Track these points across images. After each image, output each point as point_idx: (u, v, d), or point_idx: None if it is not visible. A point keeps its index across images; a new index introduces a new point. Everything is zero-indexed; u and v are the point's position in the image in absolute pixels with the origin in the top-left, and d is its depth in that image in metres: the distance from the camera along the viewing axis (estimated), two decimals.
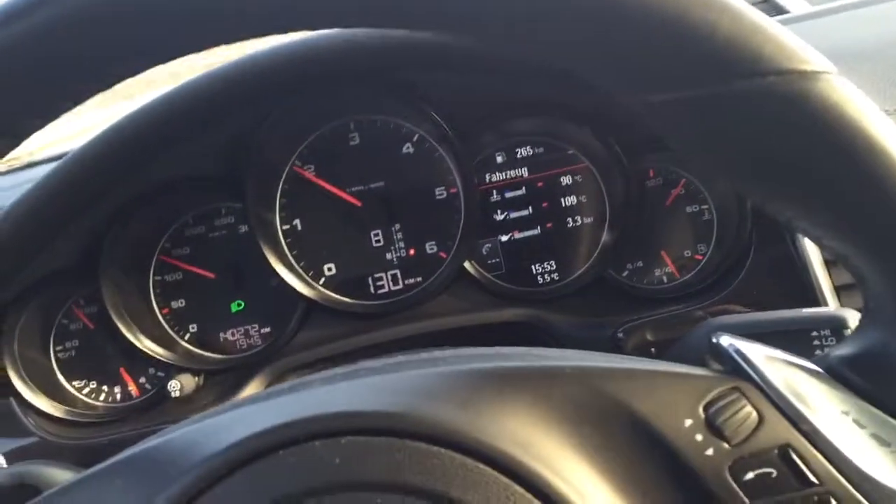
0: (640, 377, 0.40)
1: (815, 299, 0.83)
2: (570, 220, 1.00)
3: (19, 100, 0.37)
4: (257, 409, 0.42)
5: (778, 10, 1.24)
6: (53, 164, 0.85)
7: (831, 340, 0.57)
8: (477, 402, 0.39)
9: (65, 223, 0.89)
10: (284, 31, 0.38)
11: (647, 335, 0.88)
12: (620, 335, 0.88)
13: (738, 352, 0.40)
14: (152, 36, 0.36)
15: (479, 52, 0.86)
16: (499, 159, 1.00)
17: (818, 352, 0.56)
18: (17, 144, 0.40)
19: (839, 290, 0.83)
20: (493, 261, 1.00)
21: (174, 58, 0.38)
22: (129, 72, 0.38)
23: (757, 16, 0.34)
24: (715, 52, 0.33)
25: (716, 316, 0.88)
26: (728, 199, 0.94)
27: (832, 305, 0.81)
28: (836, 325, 0.55)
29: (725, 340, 0.41)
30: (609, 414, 0.38)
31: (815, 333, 0.56)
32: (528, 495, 0.35)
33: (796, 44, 0.33)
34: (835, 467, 0.36)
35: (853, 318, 0.57)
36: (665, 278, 0.98)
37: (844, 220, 0.36)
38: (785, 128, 0.34)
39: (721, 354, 0.41)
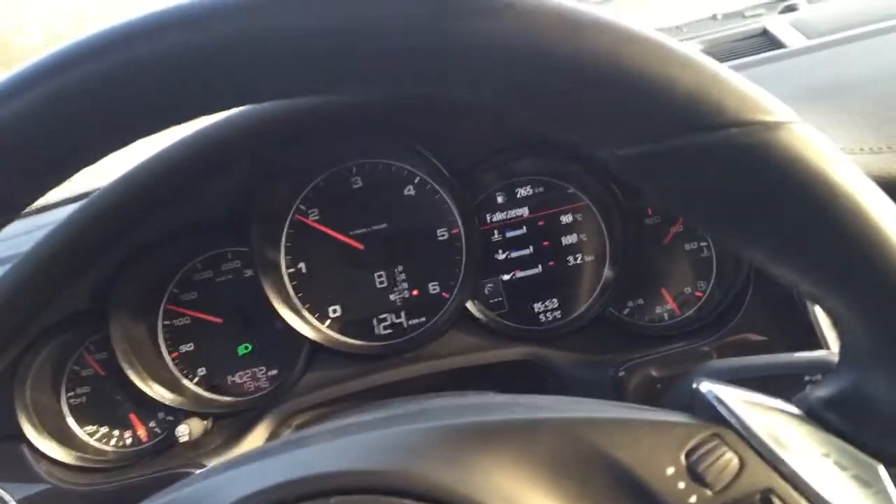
0: (622, 426, 0.40)
1: (817, 334, 0.84)
2: (570, 258, 1.01)
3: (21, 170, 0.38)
4: (249, 471, 0.43)
5: (775, 45, 1.26)
6: (66, 210, 0.86)
7: None
8: (463, 457, 0.39)
9: (78, 270, 0.91)
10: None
11: (652, 372, 0.88)
12: (622, 374, 0.88)
13: (716, 397, 0.41)
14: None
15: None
16: (499, 199, 1.01)
17: (805, 388, 0.56)
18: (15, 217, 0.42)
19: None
20: (496, 300, 1.01)
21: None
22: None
23: (718, 67, 0.34)
24: (676, 106, 0.33)
25: (724, 350, 0.89)
26: None
27: (832, 340, 0.81)
28: (826, 369, 0.56)
29: (705, 387, 0.42)
30: (592, 464, 0.39)
31: (807, 378, 0.56)
32: None
33: (758, 94, 0.34)
34: None
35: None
36: (666, 315, 0.99)
37: (815, 265, 0.37)
38: (750, 178, 0.34)
39: (701, 400, 0.42)
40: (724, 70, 0.34)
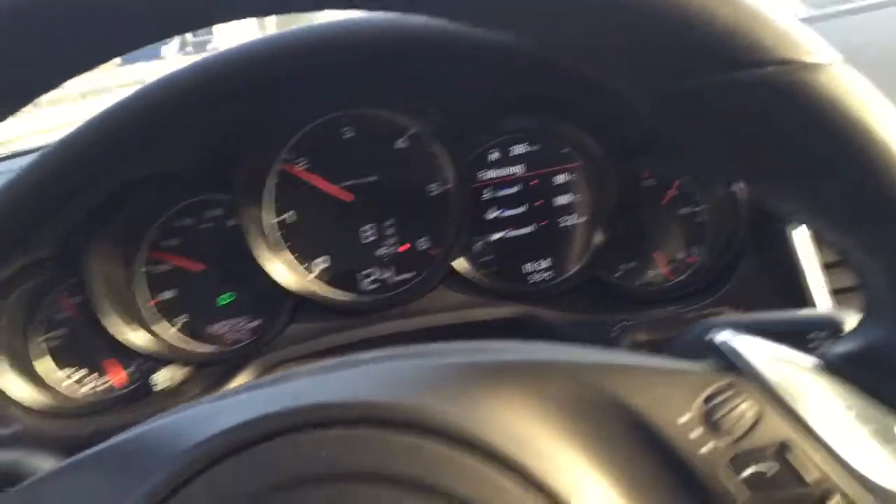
0: (636, 372, 0.39)
1: (810, 303, 0.83)
2: (564, 218, 0.99)
3: None
4: (241, 400, 0.41)
5: None
6: (35, 155, 0.83)
7: (829, 342, 0.56)
8: (468, 394, 0.38)
9: (48, 214, 0.88)
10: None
11: (641, 335, 0.88)
12: (615, 334, 0.87)
13: (735, 347, 0.39)
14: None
15: (475, 47, 0.85)
16: (493, 156, 0.99)
17: (825, 344, 0.56)
18: None
19: (838, 293, 0.82)
20: (486, 258, 0.99)
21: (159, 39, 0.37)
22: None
23: (757, 4, 0.33)
24: (714, 42, 0.32)
25: (708, 318, 0.88)
26: (722, 201, 0.93)
27: (827, 307, 0.81)
28: (833, 327, 0.55)
29: (723, 336, 0.41)
30: (604, 409, 0.38)
31: (811, 335, 0.55)
32: (520, 488, 0.35)
33: (799, 32, 0.33)
34: (834, 466, 0.36)
35: (850, 320, 0.56)
36: (659, 279, 0.98)
37: (846, 214, 0.35)
38: (787, 119, 0.33)
39: (718, 350, 0.40)
40: (764, 6, 0.33)
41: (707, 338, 0.42)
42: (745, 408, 0.37)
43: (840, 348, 0.40)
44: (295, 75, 0.89)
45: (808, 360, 0.40)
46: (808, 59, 0.32)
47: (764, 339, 0.41)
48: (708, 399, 0.37)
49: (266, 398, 0.41)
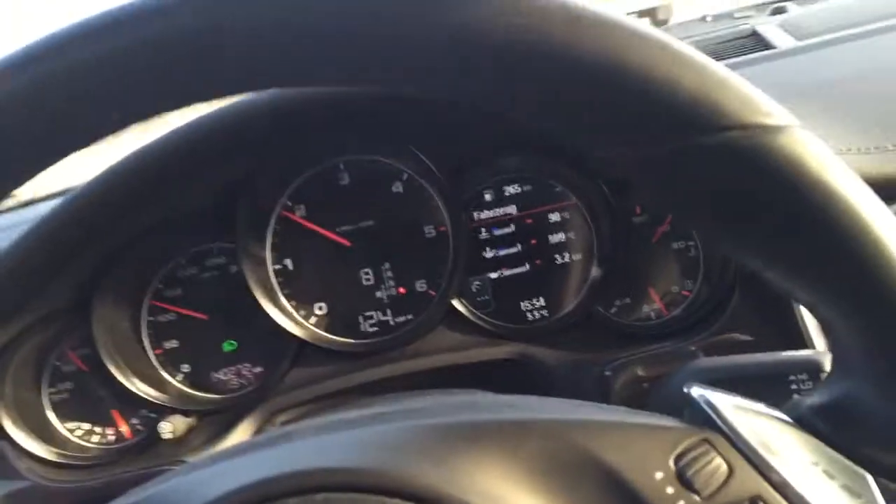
0: (612, 429, 0.40)
1: (802, 331, 0.84)
2: (558, 256, 1.00)
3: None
4: (233, 465, 0.42)
5: (765, 46, 1.26)
6: (49, 204, 0.86)
7: (808, 384, 0.57)
8: (449, 456, 0.39)
9: (60, 266, 0.90)
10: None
11: (638, 371, 0.88)
12: (608, 373, 0.88)
13: (707, 402, 0.40)
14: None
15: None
16: (487, 197, 1.01)
17: (796, 396, 0.57)
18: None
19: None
20: (483, 298, 1.01)
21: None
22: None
23: (720, 69, 0.34)
24: (678, 108, 0.33)
25: (710, 350, 0.89)
26: None
27: (818, 341, 0.82)
28: (811, 369, 0.56)
29: (696, 391, 0.42)
30: (580, 467, 0.39)
31: (792, 377, 0.56)
32: None
33: (759, 98, 0.34)
34: None
35: (829, 361, 0.57)
36: (653, 314, 0.99)
37: (809, 272, 0.36)
38: (748, 181, 0.34)
39: (692, 405, 0.41)
40: (724, 71, 0.34)
41: (683, 390, 0.43)
42: (718, 463, 0.38)
43: (810, 401, 0.41)
44: (292, 128, 0.91)
45: (779, 414, 0.41)
46: (768, 121, 0.33)
47: (743, 388, 0.42)
48: (681, 455, 0.38)
49: (258, 463, 0.42)
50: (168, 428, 0.94)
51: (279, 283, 1.00)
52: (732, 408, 0.40)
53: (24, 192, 1.31)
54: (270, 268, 0.99)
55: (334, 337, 1.00)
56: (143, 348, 1.00)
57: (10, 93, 0.34)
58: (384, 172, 1.00)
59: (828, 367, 0.57)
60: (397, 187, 1.00)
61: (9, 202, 1.37)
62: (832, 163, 0.34)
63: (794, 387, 0.57)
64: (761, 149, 0.33)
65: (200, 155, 0.89)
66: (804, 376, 0.56)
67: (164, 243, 0.99)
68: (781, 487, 0.37)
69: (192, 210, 0.97)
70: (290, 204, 1.00)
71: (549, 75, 0.34)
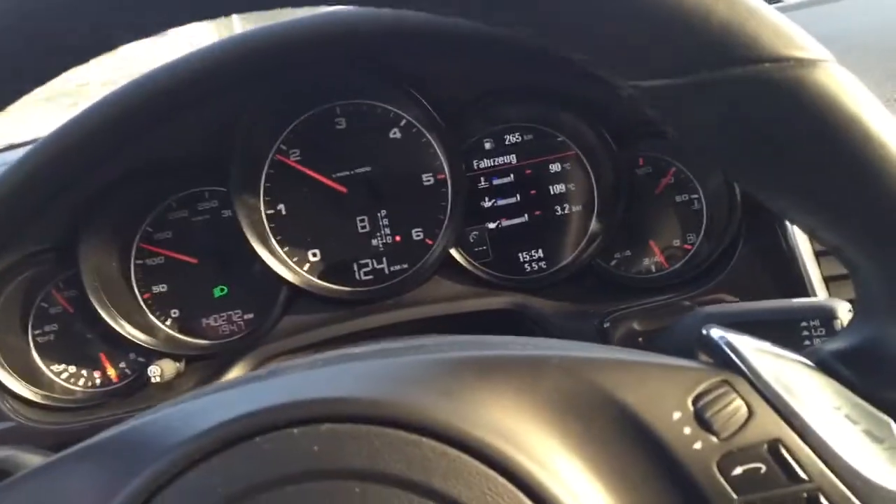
0: (629, 368, 0.39)
1: (805, 290, 0.83)
2: (558, 207, 0.99)
3: None
4: (235, 395, 0.41)
5: None
6: (30, 146, 0.83)
7: (821, 331, 0.56)
8: (460, 390, 0.38)
9: (43, 205, 0.87)
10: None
11: (634, 325, 0.87)
12: (607, 325, 0.87)
13: (728, 344, 0.39)
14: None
15: (468, 35, 0.84)
16: (487, 146, 0.99)
17: (807, 342, 0.56)
18: None
19: (829, 281, 0.82)
20: (480, 248, 0.99)
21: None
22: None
23: (753, 1, 0.33)
24: (710, 38, 0.32)
25: (704, 306, 0.88)
26: (718, 188, 0.93)
27: (822, 296, 0.81)
28: (825, 316, 0.55)
29: (716, 333, 0.40)
30: (596, 405, 0.37)
31: (804, 324, 0.55)
32: (510, 486, 0.34)
33: (793, 30, 0.33)
34: (825, 464, 0.35)
35: (843, 308, 0.56)
36: (653, 268, 0.98)
37: (838, 211, 0.35)
38: (779, 116, 0.33)
39: (711, 347, 0.40)
40: (760, 3, 0.33)
41: (701, 333, 0.42)
42: (738, 405, 0.37)
43: (831, 346, 0.40)
44: (288, 66, 0.88)
45: (800, 358, 0.40)
46: (803, 55, 0.32)
47: (755, 334, 0.41)
48: (700, 396, 0.37)
49: (259, 393, 0.41)
50: (156, 371, 0.92)
51: (272, 229, 0.98)
52: (753, 350, 0.39)
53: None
54: (263, 213, 0.97)
55: (328, 284, 0.98)
56: (132, 291, 0.98)
57: None
58: (382, 118, 0.97)
59: (841, 314, 0.56)
60: (395, 133, 0.98)
61: None
62: (867, 100, 0.33)
63: (805, 333, 0.56)
64: (795, 82, 0.32)
65: (191, 91, 0.87)
66: (817, 322, 0.55)
67: (155, 185, 0.96)
68: (802, 431, 0.36)
69: (183, 152, 0.94)
70: (284, 148, 0.97)
71: (587, 6, 0.33)
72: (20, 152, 0.84)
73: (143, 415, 0.42)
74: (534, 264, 0.99)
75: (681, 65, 0.33)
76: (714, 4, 0.32)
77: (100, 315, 0.93)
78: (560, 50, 0.36)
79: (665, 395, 0.37)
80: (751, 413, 0.37)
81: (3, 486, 0.41)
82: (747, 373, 0.38)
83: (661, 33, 0.33)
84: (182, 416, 0.40)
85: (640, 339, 0.87)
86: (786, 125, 0.33)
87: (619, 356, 0.40)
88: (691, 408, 0.37)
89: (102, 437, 0.42)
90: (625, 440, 0.37)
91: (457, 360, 0.40)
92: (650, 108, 0.37)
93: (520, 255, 0.99)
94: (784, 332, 0.56)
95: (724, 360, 0.39)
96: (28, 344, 0.97)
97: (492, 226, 0.99)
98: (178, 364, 0.95)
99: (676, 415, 0.37)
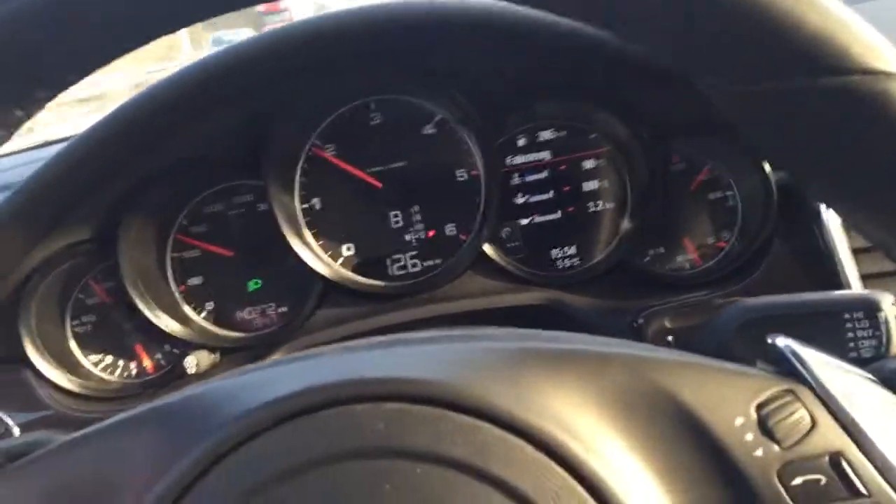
0: (692, 370, 0.39)
1: (842, 288, 0.83)
2: (591, 204, 0.99)
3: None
4: (302, 368, 0.42)
5: None
6: (70, 140, 0.84)
7: (864, 323, 0.56)
8: (525, 380, 0.38)
9: (81, 197, 0.89)
10: None
11: (666, 322, 0.87)
12: (640, 321, 0.87)
13: (794, 353, 0.39)
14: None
15: (502, 32, 0.84)
16: (521, 142, 0.99)
17: (850, 335, 0.55)
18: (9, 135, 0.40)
19: (867, 278, 0.82)
20: (514, 244, 0.99)
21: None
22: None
23: (844, 11, 0.33)
24: (802, 46, 0.32)
25: (741, 301, 0.88)
26: (753, 185, 0.93)
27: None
28: (868, 308, 0.55)
29: (781, 341, 0.41)
30: (658, 404, 0.38)
31: (847, 316, 0.55)
32: (568, 476, 0.35)
33: (883, 44, 0.33)
34: (885, 480, 0.36)
35: (887, 301, 0.56)
36: (687, 265, 0.98)
37: None
38: (866, 127, 0.33)
39: (776, 355, 0.40)
40: (850, 14, 0.33)
41: (768, 341, 0.42)
42: (801, 415, 0.37)
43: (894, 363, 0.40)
44: (324, 61, 0.89)
45: (866, 374, 0.40)
46: (893, 69, 0.32)
47: (798, 327, 0.41)
48: (764, 404, 0.38)
49: (327, 368, 0.41)
50: (193, 362, 0.93)
51: (307, 222, 0.98)
52: (819, 361, 0.39)
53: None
54: (298, 206, 0.98)
55: (361, 278, 0.99)
56: (168, 283, 0.99)
57: None
58: (416, 113, 0.98)
59: (885, 306, 0.55)
60: (429, 129, 0.98)
61: (25, 143, 1.36)
62: None
63: (848, 325, 0.56)
64: (884, 95, 0.32)
65: (227, 87, 0.87)
66: (860, 314, 0.55)
67: (191, 179, 0.97)
68: (864, 445, 0.36)
69: (220, 146, 0.95)
70: (319, 143, 0.98)
71: (679, 7, 0.33)
72: (56, 149, 0.85)
73: (208, 382, 0.42)
74: (567, 261, 0.99)
75: (772, 71, 0.33)
76: (807, 13, 0.32)
77: (136, 306, 0.94)
78: (653, 54, 0.36)
79: (728, 399, 0.38)
80: (814, 424, 0.37)
81: (66, 442, 0.42)
82: (813, 383, 0.38)
83: (753, 39, 0.33)
84: (246, 386, 0.41)
85: (670, 336, 0.87)
86: (870, 136, 0.33)
87: (681, 358, 0.41)
88: (754, 415, 0.37)
89: (166, 400, 0.42)
90: (684, 441, 0.37)
91: (524, 350, 0.41)
92: (735, 112, 0.37)
93: (553, 251, 0.99)
94: (827, 324, 0.56)
95: (789, 370, 0.39)
96: (66, 334, 0.98)
97: (525, 222, 0.99)
98: (213, 355, 0.97)
99: (739, 420, 0.37)
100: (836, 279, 0.83)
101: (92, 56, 0.38)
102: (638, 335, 0.88)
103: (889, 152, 0.33)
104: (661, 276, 0.97)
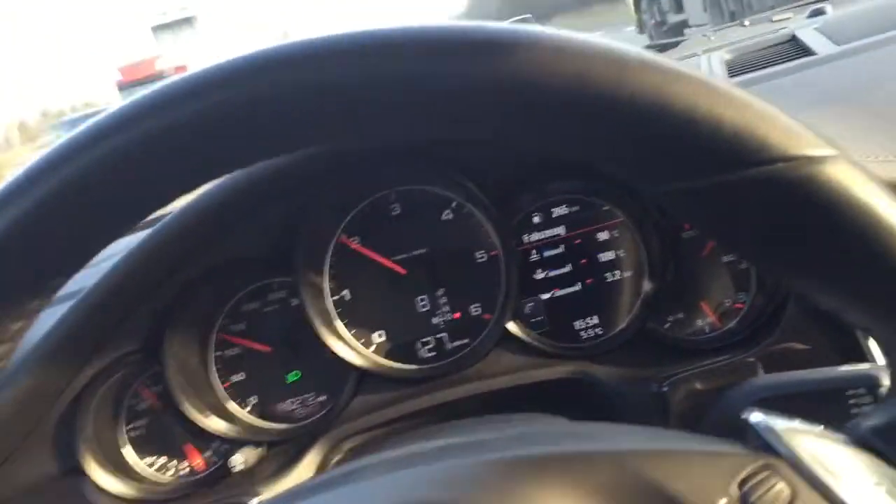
0: (673, 457, 0.41)
1: (860, 342, 0.84)
2: (609, 274, 1.02)
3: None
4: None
5: (805, 51, 1.26)
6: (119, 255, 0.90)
7: (867, 398, 0.58)
8: (516, 490, 0.41)
9: (129, 311, 0.94)
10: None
11: (697, 385, 0.88)
12: (665, 389, 0.89)
13: (766, 428, 0.42)
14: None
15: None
16: (536, 219, 1.03)
17: (854, 410, 0.57)
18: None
19: None
20: (537, 319, 1.02)
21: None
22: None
23: (762, 104, 0.36)
24: (723, 143, 0.35)
25: (768, 361, 0.89)
26: None
27: (869, 362, 0.81)
28: (869, 384, 0.56)
29: (754, 417, 0.43)
30: (644, 496, 0.40)
31: (850, 392, 0.57)
32: None
33: (802, 130, 0.36)
34: None
35: (887, 376, 0.57)
36: (707, 328, 1.00)
37: (859, 295, 0.38)
38: (796, 210, 0.36)
39: (752, 431, 0.43)
40: (767, 105, 0.35)
41: (742, 416, 0.44)
42: (780, 488, 0.39)
43: (870, 421, 0.42)
44: (343, 163, 0.94)
45: (840, 436, 0.42)
46: (813, 152, 0.35)
47: (795, 410, 0.43)
48: (744, 481, 0.40)
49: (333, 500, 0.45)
50: (240, 460, 0.97)
51: (338, 314, 1.03)
52: (792, 432, 0.41)
53: None
54: (329, 299, 1.03)
55: (393, 364, 1.03)
56: (212, 383, 1.04)
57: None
58: (434, 201, 1.03)
59: (886, 381, 0.57)
60: (447, 215, 1.03)
61: None
62: (873, 188, 0.36)
63: (852, 401, 0.58)
64: (808, 179, 0.35)
65: (257, 198, 0.93)
66: (862, 391, 0.56)
67: (228, 282, 1.03)
68: None
69: (254, 246, 1.01)
70: (345, 236, 1.03)
71: (595, 117, 0.36)
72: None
73: None
74: (590, 331, 1.02)
75: (697, 169, 0.36)
76: (724, 112, 0.34)
77: (184, 409, 0.99)
78: (581, 161, 0.39)
79: (710, 481, 0.40)
80: (794, 495, 0.39)
81: None
82: (788, 456, 0.40)
83: (676, 141, 0.35)
84: None
85: (702, 398, 0.88)
86: (801, 218, 0.36)
87: (663, 445, 0.43)
88: (736, 493, 0.39)
89: None
90: None
91: (510, 460, 0.43)
92: (671, 208, 0.40)
93: (575, 322, 1.02)
94: (830, 401, 0.58)
95: (765, 444, 0.41)
96: (121, 440, 1.03)
97: (546, 296, 1.03)
98: (259, 450, 1.00)
99: (722, 501, 0.39)
100: (853, 334, 0.84)
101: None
102: (663, 403, 0.89)
103: (820, 231, 0.36)
104: (682, 342, 0.98)
